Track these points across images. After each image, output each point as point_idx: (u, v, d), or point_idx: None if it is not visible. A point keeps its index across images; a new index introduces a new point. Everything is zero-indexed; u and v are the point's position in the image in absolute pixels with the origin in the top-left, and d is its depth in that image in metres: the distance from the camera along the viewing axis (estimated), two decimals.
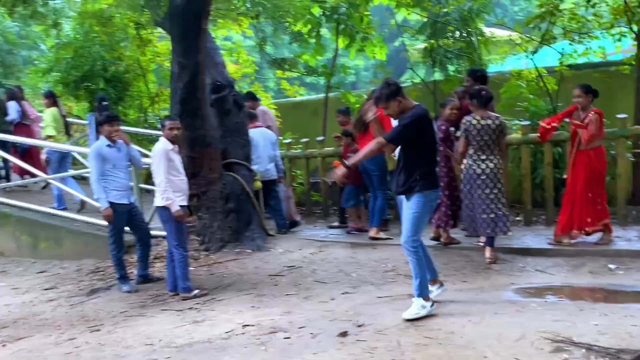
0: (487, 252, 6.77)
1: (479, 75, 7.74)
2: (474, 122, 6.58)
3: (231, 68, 12.56)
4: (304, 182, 10.59)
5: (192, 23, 7.43)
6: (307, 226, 9.64)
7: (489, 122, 6.57)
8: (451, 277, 6.31)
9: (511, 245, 7.15)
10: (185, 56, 7.56)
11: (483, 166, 6.61)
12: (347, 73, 11.28)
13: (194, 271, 7.14)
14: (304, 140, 10.43)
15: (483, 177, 6.61)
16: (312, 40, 11.47)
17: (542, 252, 6.85)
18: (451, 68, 10.61)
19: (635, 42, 9.15)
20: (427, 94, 10.97)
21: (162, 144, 6.34)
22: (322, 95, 12.41)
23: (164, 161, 6.23)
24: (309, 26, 11.42)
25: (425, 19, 10.89)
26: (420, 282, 4.99)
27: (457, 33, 10.54)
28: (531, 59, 9.00)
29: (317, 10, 11.44)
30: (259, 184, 8.58)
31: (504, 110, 10.05)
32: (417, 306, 4.92)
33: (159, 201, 6.33)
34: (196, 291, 6.35)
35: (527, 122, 8.48)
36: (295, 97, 13.20)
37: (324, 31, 11.79)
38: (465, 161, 6.77)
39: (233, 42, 12.80)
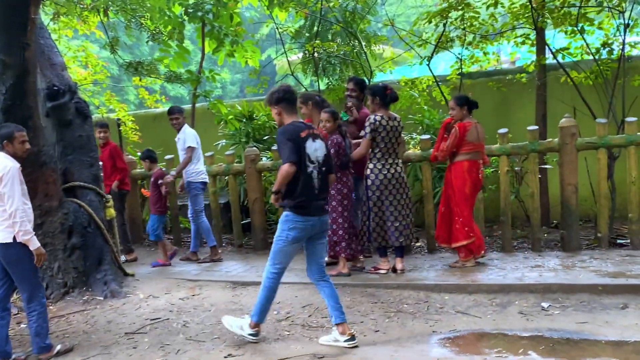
0: (399, 264, 6.42)
1: (365, 85, 7.17)
2: (383, 122, 6.17)
3: (79, 74, 10.76)
4: (170, 206, 9.04)
5: (16, 10, 5.74)
6: (175, 260, 8.12)
7: (395, 123, 6.28)
8: (359, 324, 5.13)
9: (423, 281, 6.10)
10: (7, 52, 5.84)
11: (392, 170, 6.27)
12: (215, 81, 9.82)
13: (21, 330, 5.47)
14: (168, 157, 8.89)
15: (393, 182, 6.27)
16: (174, 43, 9.95)
17: (459, 288, 5.85)
18: (334, 76, 9.55)
19: (534, 48, 8.52)
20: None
21: (11, 161, 4.82)
22: (187, 106, 10.94)
23: (18, 183, 4.78)
24: (169, 27, 9.91)
25: (304, 20, 9.77)
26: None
27: (339, 39, 9.53)
28: (427, 65, 8.09)
29: (179, 10, 9.96)
30: (112, 212, 6.95)
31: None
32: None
33: (3, 236, 4.75)
34: (59, 347, 4.98)
35: (427, 136, 7.53)
36: (157, 107, 11.56)
37: (190, 32, 10.29)
38: (371, 166, 6.29)
39: (79, 43, 10.91)
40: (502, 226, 7.38)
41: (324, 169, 4.76)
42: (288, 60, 8.86)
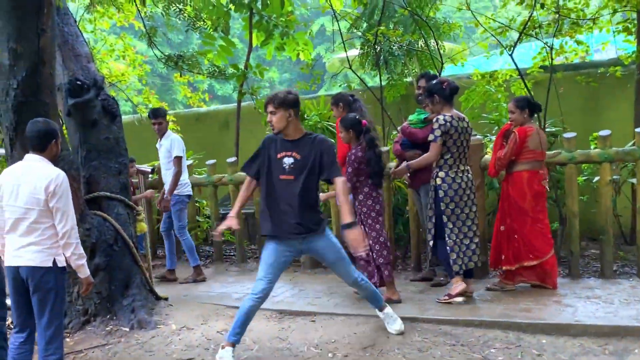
0: (471, 286, 5.71)
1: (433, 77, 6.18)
2: (454, 122, 5.40)
3: (116, 70, 9.98)
4: (211, 216, 8.14)
5: None
6: (216, 278, 7.22)
7: (464, 123, 5.51)
8: None
9: (513, 318, 5.00)
10: (19, 39, 5.02)
11: (465, 179, 5.53)
12: (263, 76, 8.89)
13: None
14: (210, 162, 7.99)
15: (468, 192, 5.53)
16: (218, 35, 9.07)
17: (559, 329, 4.77)
18: (398, 69, 8.50)
19: (631, 37, 7.30)
20: (367, 102, 8.81)
21: (62, 172, 4.08)
22: (233, 105, 10.07)
23: (71, 196, 4.08)
24: (213, 17, 9.04)
25: (362, 8, 8.73)
26: None
27: (400, 28, 8.45)
28: (510, 55, 6.95)
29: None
30: (143, 227, 6.07)
31: None
32: None
33: (41, 258, 3.94)
34: None
35: None
36: (200, 106, 10.70)
37: (235, 23, 9.38)
38: (442, 174, 5.48)
39: (117, 35, 10.10)
40: (602, 246, 6.24)
41: None
42: (345, 48, 7.84)
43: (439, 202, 5.47)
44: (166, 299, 6.15)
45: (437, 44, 7.40)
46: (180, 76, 8.63)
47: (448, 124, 5.34)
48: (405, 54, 8.39)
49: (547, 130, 7.17)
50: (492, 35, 6.97)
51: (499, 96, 7.38)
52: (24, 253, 3.93)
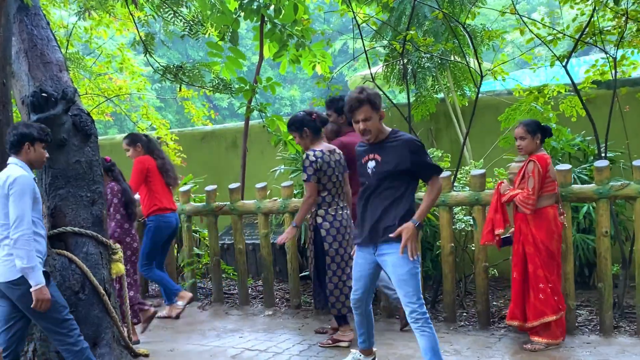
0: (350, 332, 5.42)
1: (341, 106, 5.56)
2: (325, 157, 5.14)
3: (113, 83, 9.09)
4: (210, 249, 7.14)
5: None
6: (214, 324, 6.22)
7: (337, 156, 5.27)
8: None
9: None
10: None
11: (345, 216, 5.29)
12: (274, 91, 7.93)
13: None
14: (209, 188, 7.01)
15: (349, 230, 5.26)
16: (226, 45, 8.15)
17: None
18: (427, 84, 7.47)
19: None
20: (392, 121, 7.80)
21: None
22: (239, 124, 9.13)
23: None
24: (220, 25, 8.13)
25: (387, 15, 7.73)
26: None
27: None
28: (563, 67, 5.90)
29: (235, 5, 8.18)
30: (119, 268, 5.07)
31: (506, 147, 7.02)
32: None
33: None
34: None
35: (566, 166, 5.40)
36: (206, 124, 9.75)
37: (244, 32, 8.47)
38: (321, 212, 5.21)
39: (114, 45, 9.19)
40: None
41: None
42: (368, 59, 6.82)
43: (322, 242, 5.19)
44: (146, 355, 5.15)
45: (475, 54, 6.33)
46: (180, 90, 7.70)
47: (320, 159, 5.07)
48: (436, 67, 7.36)
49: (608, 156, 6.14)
50: (542, 42, 5.90)
51: (550, 115, 6.31)
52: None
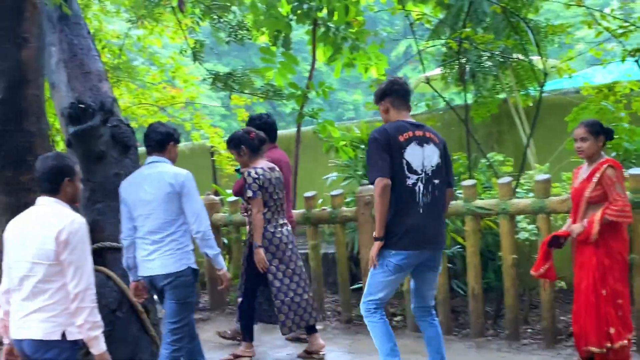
0: (318, 342, 5.40)
1: (262, 122, 5.77)
2: (267, 174, 5.17)
3: (166, 92, 9.05)
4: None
5: None
6: (260, 338, 6.00)
7: (277, 173, 5.32)
8: None
9: None
10: None
11: (286, 232, 5.35)
12: (327, 96, 7.68)
13: None
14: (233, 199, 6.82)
15: (290, 246, 5.34)
16: (277, 51, 7.97)
17: None
18: (488, 84, 7.04)
19: None
20: (450, 124, 7.42)
21: (76, 214, 3.47)
22: (291, 131, 8.91)
23: (89, 249, 3.43)
24: (271, 30, 7.95)
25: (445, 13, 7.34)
26: None
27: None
28: (636, 61, 5.40)
29: (287, 9, 7.99)
30: None
31: (571, 149, 6.51)
32: None
33: (46, 330, 3.28)
34: None
35: (636, 170, 4.90)
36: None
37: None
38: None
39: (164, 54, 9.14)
40: None
41: (435, 181, 4.15)
42: (422, 60, 6.46)
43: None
44: None
45: (538, 50, 5.89)
46: (230, 97, 7.55)
47: (262, 177, 5.09)
48: (497, 65, 6.93)
49: None
50: (612, 36, 5.42)
51: (622, 114, 5.81)
52: (27, 322, 3.26)
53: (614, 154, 6.33)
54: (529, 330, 5.79)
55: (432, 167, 4.15)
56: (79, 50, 5.12)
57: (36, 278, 3.25)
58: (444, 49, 7.60)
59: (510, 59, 6.79)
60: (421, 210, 4.08)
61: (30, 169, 4.23)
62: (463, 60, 6.51)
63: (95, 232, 4.72)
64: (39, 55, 4.31)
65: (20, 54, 4.09)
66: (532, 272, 4.85)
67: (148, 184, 4.25)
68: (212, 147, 8.80)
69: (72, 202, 3.54)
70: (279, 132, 10.60)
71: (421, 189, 4.09)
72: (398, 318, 6.34)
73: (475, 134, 7.07)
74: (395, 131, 4.09)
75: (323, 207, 6.39)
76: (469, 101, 7.34)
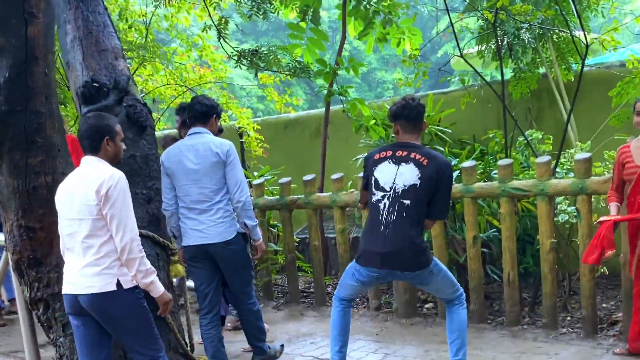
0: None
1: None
2: None
3: (195, 72, 8.86)
4: (284, 245, 6.71)
5: None
6: (287, 327, 5.81)
7: None
8: None
9: None
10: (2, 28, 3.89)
11: None
12: (358, 73, 7.38)
13: None
14: (284, 180, 6.59)
15: None
16: (306, 25, 7.71)
17: None
18: (526, 58, 6.65)
19: None
20: (488, 100, 7.07)
21: (119, 172, 3.59)
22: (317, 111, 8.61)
23: (130, 201, 3.59)
24: (300, 4, 7.71)
25: None
26: None
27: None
28: None
29: None
30: (179, 269, 4.75)
31: (618, 127, 6.14)
32: None
33: (101, 283, 3.40)
34: None
35: None
36: (289, 111, 9.34)
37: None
38: None
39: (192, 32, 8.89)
40: None
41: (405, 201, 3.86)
42: (455, 32, 6.09)
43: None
44: None
45: (579, 21, 5.48)
46: (256, 76, 7.31)
47: None
48: (536, 38, 6.52)
49: None
50: None
51: None
52: (80, 278, 3.38)
53: None
54: (568, 318, 5.48)
55: (404, 186, 3.87)
56: (94, 27, 4.91)
57: (83, 234, 3.36)
58: (481, 22, 7.24)
59: (551, 30, 6.37)
60: (382, 228, 3.88)
61: (39, 151, 4.09)
62: (500, 33, 6.12)
63: None
64: (47, 31, 4.11)
65: (27, 30, 3.91)
66: (588, 261, 4.46)
67: (193, 153, 4.42)
68: (240, 127, 8.59)
69: (114, 161, 3.63)
70: (312, 111, 10.40)
71: (386, 206, 3.89)
72: (429, 305, 6.09)
73: (513, 110, 6.72)
74: (378, 151, 4.09)
75: (351, 190, 6.13)
76: (507, 76, 6.97)
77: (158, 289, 3.53)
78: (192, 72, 8.70)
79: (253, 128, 8.61)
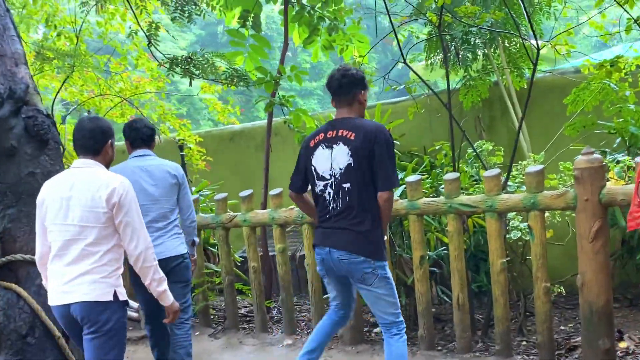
0: None
1: None
2: None
3: (128, 81, 8.30)
4: (222, 267, 6.18)
5: None
6: (222, 356, 5.29)
7: None
8: None
9: None
10: None
11: None
12: (301, 82, 6.93)
13: None
14: (219, 196, 6.09)
15: None
16: (245, 32, 7.27)
17: None
18: (477, 64, 6.29)
19: None
20: (437, 109, 6.69)
21: (126, 180, 3.43)
22: (274, 120, 8.12)
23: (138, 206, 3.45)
24: (238, 8, 7.29)
25: None
26: None
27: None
28: None
29: None
30: None
31: (574, 137, 5.81)
32: None
33: (99, 291, 3.30)
34: None
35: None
36: (233, 123, 8.82)
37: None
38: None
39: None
40: None
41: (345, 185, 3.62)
42: (398, 40, 5.67)
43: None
44: None
45: (529, 22, 5.10)
46: (190, 84, 6.80)
47: None
48: (486, 43, 6.16)
49: None
50: (616, 2, 4.65)
51: (627, 94, 5.05)
52: (76, 286, 3.21)
53: (618, 139, 5.62)
54: (524, 343, 5.07)
55: (341, 169, 3.64)
56: None
57: (87, 241, 3.22)
58: (429, 28, 6.87)
59: (501, 34, 6.00)
60: (329, 217, 3.71)
61: None
62: (447, 38, 5.73)
63: (6, 243, 4.05)
64: None
65: None
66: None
67: (149, 175, 4.42)
68: (180, 140, 8.06)
69: (108, 165, 3.52)
70: (258, 122, 9.92)
71: (331, 194, 3.67)
72: (378, 329, 5.63)
73: (464, 120, 6.34)
74: (311, 136, 3.85)
75: (291, 207, 5.65)
76: (457, 84, 6.60)
77: (169, 297, 3.52)
78: (127, 82, 8.13)
79: (195, 140, 8.08)
